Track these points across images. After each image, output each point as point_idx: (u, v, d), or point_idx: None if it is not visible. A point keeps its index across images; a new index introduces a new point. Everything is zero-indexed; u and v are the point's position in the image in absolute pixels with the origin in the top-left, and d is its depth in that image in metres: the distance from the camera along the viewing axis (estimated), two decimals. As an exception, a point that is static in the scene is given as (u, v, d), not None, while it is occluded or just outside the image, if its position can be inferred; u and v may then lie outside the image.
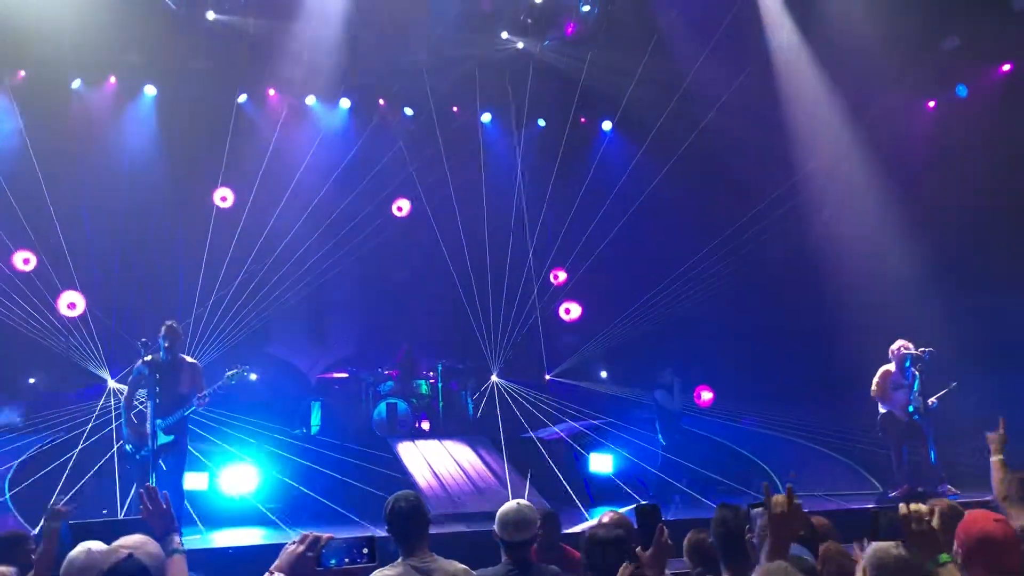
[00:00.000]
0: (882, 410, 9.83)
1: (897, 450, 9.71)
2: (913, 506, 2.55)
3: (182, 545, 3.36)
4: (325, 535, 2.91)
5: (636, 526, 3.61)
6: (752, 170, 12.62)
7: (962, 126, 12.35)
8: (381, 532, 4.20)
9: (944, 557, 2.61)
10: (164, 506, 3.35)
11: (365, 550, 2.93)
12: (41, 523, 4.64)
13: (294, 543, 2.90)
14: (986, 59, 12.56)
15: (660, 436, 11.79)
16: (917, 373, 9.64)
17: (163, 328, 8.18)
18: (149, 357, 8.04)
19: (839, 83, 12.32)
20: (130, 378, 8.43)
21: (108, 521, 6.97)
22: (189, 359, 8.47)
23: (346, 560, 2.91)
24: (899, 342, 9.75)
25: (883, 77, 12.05)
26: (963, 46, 12.03)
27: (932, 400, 9.60)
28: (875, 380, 9.82)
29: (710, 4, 11.88)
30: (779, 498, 2.88)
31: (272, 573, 2.85)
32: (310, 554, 2.86)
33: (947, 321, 10.84)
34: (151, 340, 8.14)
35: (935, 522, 2.69)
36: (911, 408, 9.67)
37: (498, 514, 4.30)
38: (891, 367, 9.79)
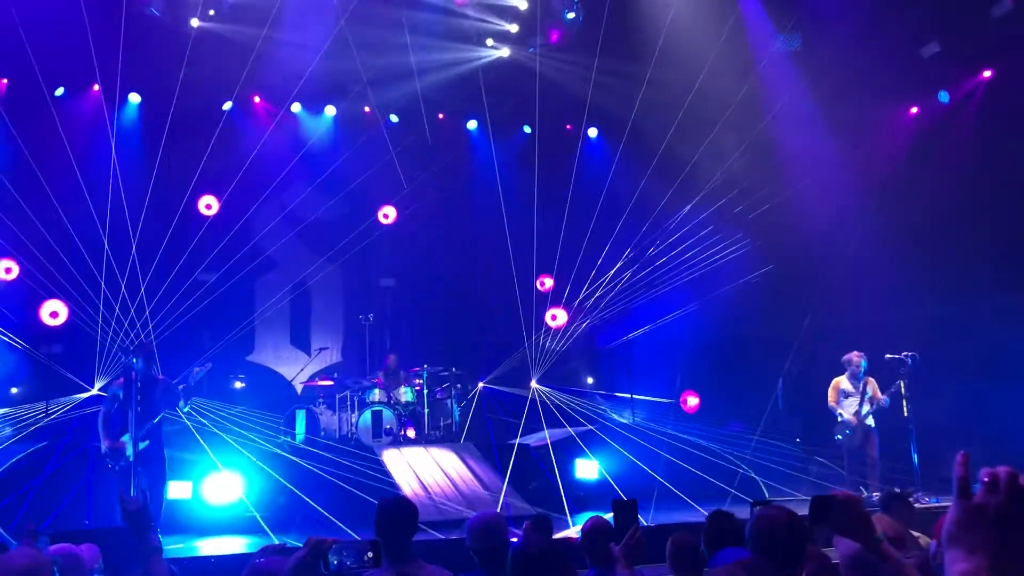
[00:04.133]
0: (838, 418, 10.23)
1: (848, 458, 10.20)
2: (843, 493, 2.64)
3: (159, 543, 3.39)
4: (329, 539, 2.91)
5: (613, 521, 3.65)
6: (735, 176, 12.68)
7: (944, 132, 12.45)
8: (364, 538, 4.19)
9: (878, 537, 2.70)
10: (140, 504, 3.40)
11: (370, 554, 2.93)
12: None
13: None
14: (967, 65, 12.67)
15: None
16: (864, 383, 10.08)
17: (135, 346, 8.66)
18: (122, 380, 8.42)
19: (820, 88, 12.39)
20: (103, 405, 8.57)
21: (83, 531, 6.97)
22: (161, 377, 8.70)
23: (349, 564, 2.91)
24: (852, 353, 10.16)
25: (865, 83, 12.14)
26: (944, 52, 12.14)
27: (883, 397, 9.99)
28: (829, 391, 10.30)
29: (694, 9, 11.95)
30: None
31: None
32: (313, 558, 2.86)
33: (927, 327, 10.92)
34: (131, 347, 8.27)
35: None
36: (864, 412, 10.03)
37: (467, 524, 4.34)
38: (841, 378, 10.22)
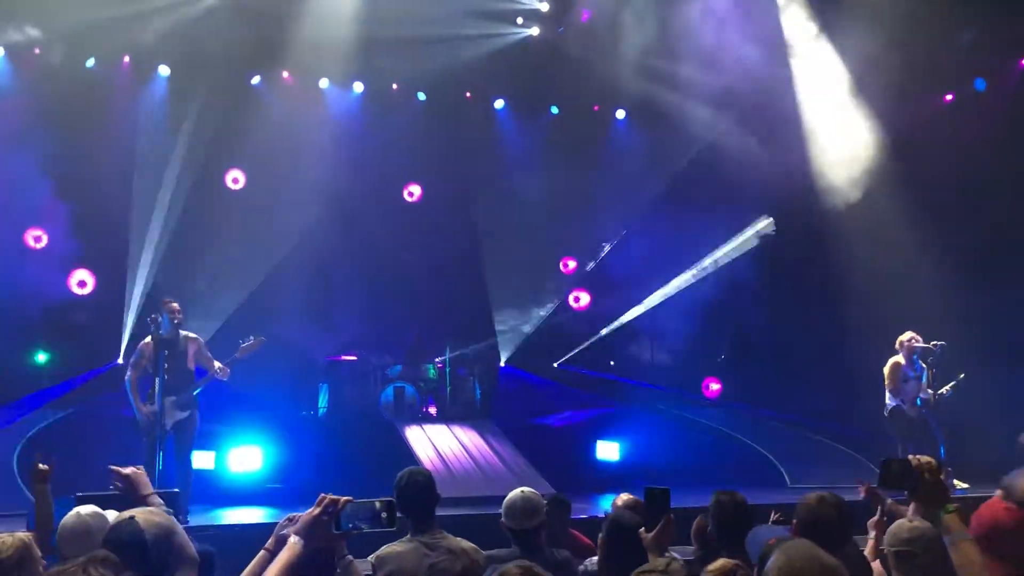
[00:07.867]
0: (890, 403, 9.75)
1: (903, 444, 9.57)
2: (924, 458, 2.64)
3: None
4: (343, 498, 2.86)
5: (645, 507, 3.65)
6: (767, 162, 12.53)
7: (980, 120, 12.23)
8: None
9: (949, 507, 2.70)
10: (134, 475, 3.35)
11: (384, 515, 2.88)
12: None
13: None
14: (1005, 52, 12.43)
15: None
16: (925, 366, 9.60)
17: (163, 306, 8.29)
18: (149, 338, 8.15)
19: (854, 74, 12.20)
20: (131, 359, 8.47)
21: (114, 495, 7.01)
22: (191, 335, 8.51)
23: (363, 525, 2.87)
24: (908, 333, 9.68)
25: (899, 69, 11.92)
26: (981, 39, 11.90)
27: (946, 389, 9.55)
28: (887, 372, 9.74)
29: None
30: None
31: (289, 536, 2.83)
32: (326, 517, 2.83)
33: (958, 316, 10.75)
34: (160, 316, 8.20)
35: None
36: (919, 401, 9.62)
37: (504, 502, 4.31)
38: (900, 359, 9.71)
